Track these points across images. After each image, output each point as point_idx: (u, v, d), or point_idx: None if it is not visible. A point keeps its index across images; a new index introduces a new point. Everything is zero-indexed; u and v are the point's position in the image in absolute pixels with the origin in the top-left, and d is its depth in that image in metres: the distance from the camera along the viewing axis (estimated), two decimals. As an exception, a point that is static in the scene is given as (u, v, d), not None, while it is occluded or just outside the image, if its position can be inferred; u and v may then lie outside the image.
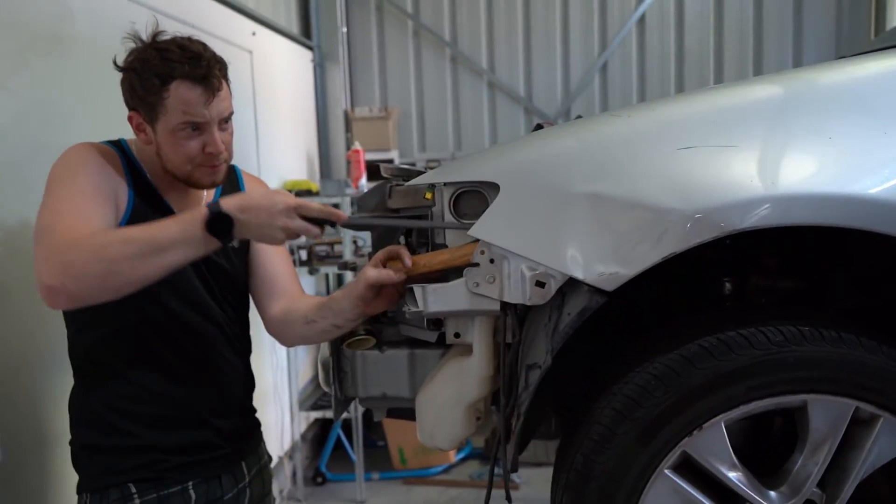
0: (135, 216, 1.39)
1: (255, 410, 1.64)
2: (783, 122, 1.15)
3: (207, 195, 1.53)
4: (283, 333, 1.57)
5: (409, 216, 1.39)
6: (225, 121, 1.43)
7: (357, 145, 4.23)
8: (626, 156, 1.16)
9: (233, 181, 1.58)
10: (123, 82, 1.41)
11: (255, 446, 1.63)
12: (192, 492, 1.46)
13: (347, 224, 1.34)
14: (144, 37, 1.40)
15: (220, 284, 1.51)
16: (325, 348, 1.50)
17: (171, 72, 1.35)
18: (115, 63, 1.42)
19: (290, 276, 1.60)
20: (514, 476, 3.94)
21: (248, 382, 1.62)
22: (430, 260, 1.28)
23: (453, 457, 4.28)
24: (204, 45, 1.41)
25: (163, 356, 1.45)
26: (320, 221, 1.30)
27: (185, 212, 1.30)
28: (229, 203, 1.26)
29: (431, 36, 4.86)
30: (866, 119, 1.13)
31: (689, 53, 4.67)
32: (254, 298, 1.61)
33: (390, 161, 4.53)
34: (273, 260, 1.59)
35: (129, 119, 1.43)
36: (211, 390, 1.50)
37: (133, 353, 1.44)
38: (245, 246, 1.57)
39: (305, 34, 4.59)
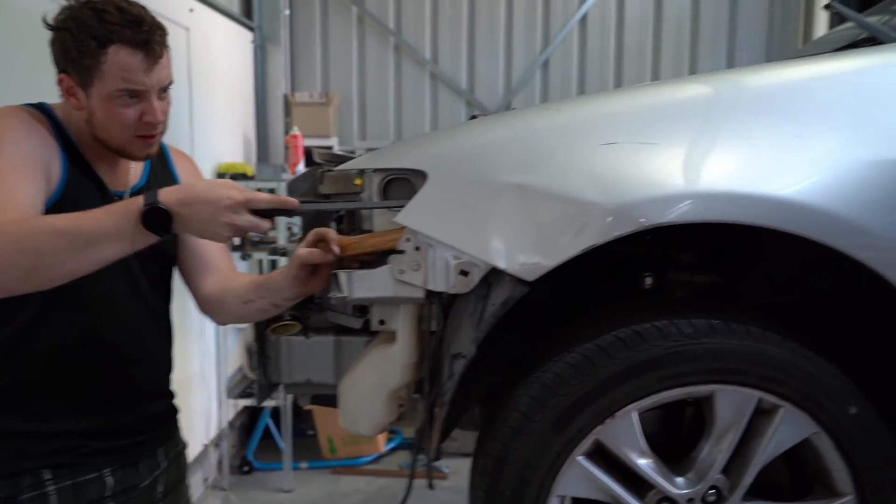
0: (69, 189, 1.32)
1: (174, 395, 1.60)
2: (703, 121, 1.19)
3: (136, 168, 1.48)
4: (218, 312, 1.53)
5: (346, 200, 1.38)
6: (164, 90, 1.36)
7: (296, 130, 4.18)
8: (552, 149, 1.18)
9: (161, 157, 1.54)
10: (54, 42, 1.32)
11: (173, 432, 1.59)
12: (108, 478, 1.42)
13: (300, 212, 1.29)
14: None
15: (146, 259, 1.44)
16: (249, 333, 1.48)
17: (109, 35, 1.26)
18: (44, 21, 1.33)
19: (222, 251, 1.56)
20: (442, 466, 3.97)
21: (170, 365, 1.58)
22: (361, 242, 1.28)
23: (383, 446, 4.29)
24: (144, 9, 1.33)
25: (87, 334, 1.39)
26: (270, 213, 1.23)
27: (119, 202, 1.22)
28: (168, 196, 1.16)
29: (375, 23, 4.82)
30: (781, 123, 1.17)
31: (628, 53, 4.77)
32: (184, 276, 1.57)
33: (329, 148, 4.49)
34: None
35: (59, 82, 1.33)
36: (137, 372, 1.46)
37: (53, 331, 1.38)
38: None
39: (247, 14, 4.49)
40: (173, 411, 1.59)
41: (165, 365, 1.56)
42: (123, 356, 1.43)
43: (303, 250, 1.28)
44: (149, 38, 1.29)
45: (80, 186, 1.34)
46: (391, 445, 4.35)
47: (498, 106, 4.78)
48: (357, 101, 4.88)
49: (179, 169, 1.56)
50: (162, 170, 1.53)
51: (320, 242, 1.28)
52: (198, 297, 1.55)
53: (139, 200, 1.17)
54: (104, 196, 1.39)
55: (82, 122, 1.35)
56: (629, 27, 4.74)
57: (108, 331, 1.41)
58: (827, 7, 1.37)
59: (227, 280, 1.51)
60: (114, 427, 1.43)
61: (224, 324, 1.59)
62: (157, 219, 1.16)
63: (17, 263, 1.13)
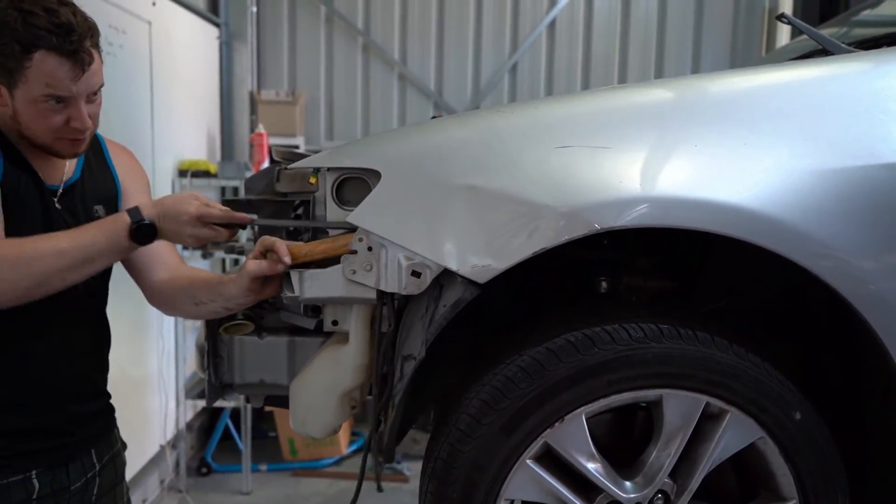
0: (7, 184, 1.30)
1: (109, 395, 1.57)
2: (657, 127, 1.20)
3: (70, 162, 1.44)
4: (168, 306, 1.52)
5: (302, 218, 1.37)
6: (94, 93, 1.34)
7: (261, 128, 4.14)
8: (506, 151, 1.18)
9: (96, 150, 1.51)
10: None
11: (108, 433, 1.55)
12: (35, 481, 1.37)
13: (255, 225, 1.35)
14: None
15: None
16: (201, 332, 1.46)
17: (34, 41, 1.22)
18: None
19: (169, 245, 1.54)
20: (403, 468, 3.96)
21: (105, 365, 1.55)
22: (312, 249, 1.27)
23: (345, 448, 4.26)
24: (74, 10, 1.29)
25: (18, 331, 1.36)
26: (227, 224, 1.31)
27: (105, 219, 1.33)
28: (150, 211, 1.28)
29: (344, 23, 4.79)
30: (733, 130, 1.18)
31: (595, 59, 4.80)
32: (131, 271, 1.54)
33: (296, 147, 4.45)
34: None
35: None
36: (65, 371, 1.42)
37: None
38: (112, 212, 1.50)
39: (213, 10, 4.44)
40: (108, 412, 1.56)
41: (99, 365, 1.52)
42: (50, 355, 1.40)
43: (252, 264, 1.27)
44: (78, 46, 1.26)
45: (17, 181, 1.32)
46: (353, 447, 4.32)
47: (466, 108, 4.78)
48: (325, 100, 4.85)
49: (117, 163, 1.54)
50: (97, 163, 1.51)
51: (269, 252, 1.27)
52: (147, 290, 1.54)
53: (125, 217, 1.27)
54: (40, 191, 1.36)
55: (7, 118, 1.32)
56: (597, 33, 4.78)
57: (35, 329, 1.38)
58: (779, 18, 1.39)
59: (176, 274, 1.50)
60: (40, 427, 1.39)
61: (173, 316, 1.59)
62: (145, 233, 1.28)
63: (21, 284, 1.22)
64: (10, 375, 1.36)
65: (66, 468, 1.43)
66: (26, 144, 1.36)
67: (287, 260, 1.23)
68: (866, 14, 2.10)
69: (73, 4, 1.30)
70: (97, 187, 1.47)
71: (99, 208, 1.46)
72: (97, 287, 1.49)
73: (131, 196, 1.53)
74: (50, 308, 1.37)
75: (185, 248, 3.51)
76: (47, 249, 1.24)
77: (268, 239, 1.27)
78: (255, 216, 1.35)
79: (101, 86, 1.35)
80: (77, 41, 1.25)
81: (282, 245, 1.24)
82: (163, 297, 1.51)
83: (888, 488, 1.28)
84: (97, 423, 1.51)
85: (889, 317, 1.13)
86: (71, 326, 1.43)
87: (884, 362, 1.15)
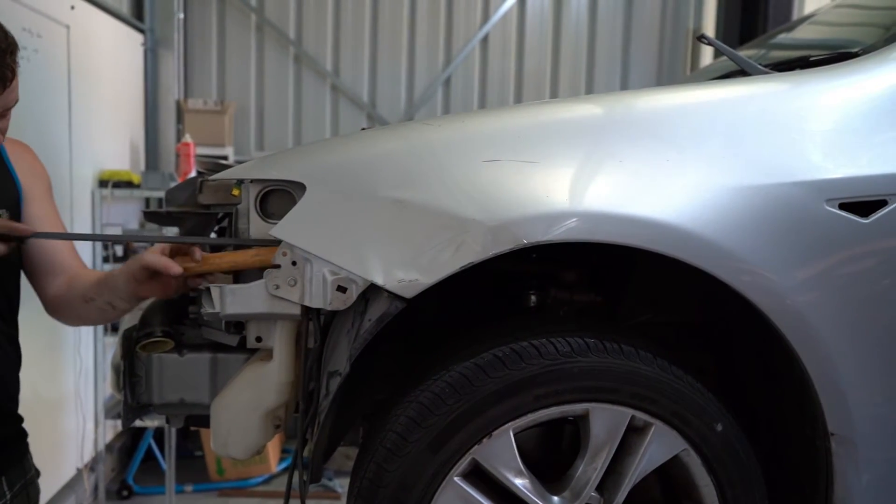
0: None
1: (21, 419, 1.48)
2: (583, 142, 1.21)
3: None
4: (64, 313, 1.47)
5: (225, 212, 1.32)
6: (7, 109, 1.30)
7: (188, 138, 4.01)
8: (433, 165, 1.17)
9: None
10: None
11: (19, 459, 1.46)
12: None
13: (32, 237, 1.30)
14: None
15: None
16: (117, 351, 1.40)
17: None
18: None
19: (70, 250, 1.49)
20: (335, 485, 3.89)
21: (15, 388, 1.46)
22: (219, 259, 1.23)
23: (275, 467, 4.15)
24: None
25: None
26: (3, 237, 1.24)
27: None
28: None
29: (275, 32, 4.72)
30: (655, 146, 1.21)
31: (527, 75, 4.87)
32: (30, 278, 1.48)
33: (224, 157, 4.34)
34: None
35: None
36: None
37: None
38: (16, 220, 1.43)
39: (137, 16, 4.30)
40: (20, 437, 1.47)
41: (8, 389, 1.44)
42: None
43: (151, 255, 1.24)
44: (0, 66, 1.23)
45: None
46: (283, 465, 4.21)
47: (399, 120, 4.77)
48: (255, 110, 4.76)
49: (18, 165, 1.47)
50: None
51: (178, 255, 1.23)
52: (45, 299, 1.48)
53: None
54: None
55: None
56: (529, 48, 4.86)
57: None
58: (700, 39, 1.43)
59: (73, 278, 1.45)
60: None
61: (71, 324, 1.54)
62: None
63: None
64: None
65: None
66: None
67: (198, 256, 1.21)
68: (782, 37, 2.20)
69: None
70: None
71: (3, 212, 1.39)
72: (10, 294, 1.42)
73: (34, 200, 1.47)
74: None
75: None
76: None
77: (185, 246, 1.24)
78: (33, 230, 1.30)
79: (16, 102, 1.31)
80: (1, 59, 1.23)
81: (197, 250, 1.20)
82: (59, 304, 1.46)
83: (802, 495, 1.32)
84: (8, 450, 1.42)
85: (803, 329, 1.16)
86: None
87: (798, 372, 1.18)
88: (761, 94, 1.26)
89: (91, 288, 1.38)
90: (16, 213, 1.42)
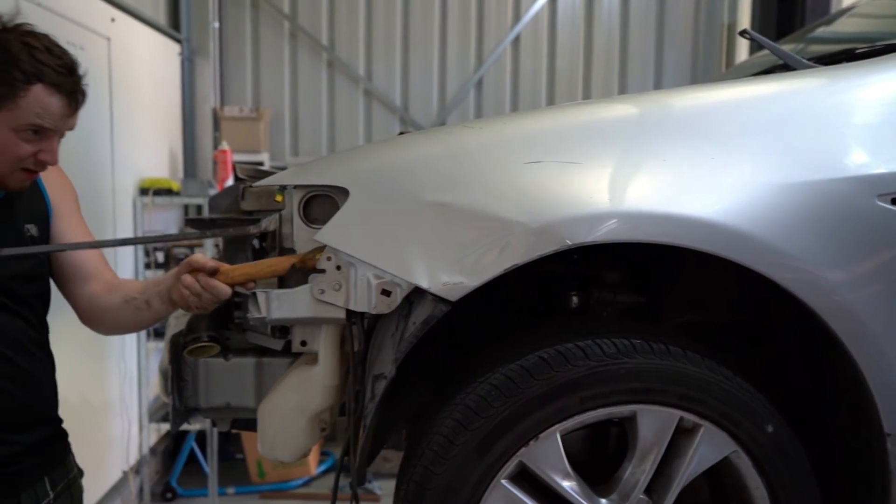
0: None
1: (61, 420, 1.52)
2: (626, 142, 1.20)
3: None
4: (99, 318, 1.50)
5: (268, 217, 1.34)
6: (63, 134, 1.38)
7: (225, 145, 4.08)
8: (475, 167, 1.17)
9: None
10: None
11: (62, 460, 1.50)
12: None
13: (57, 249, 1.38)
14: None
15: (17, 279, 1.40)
16: (165, 356, 1.42)
17: (40, 74, 1.29)
18: None
19: (97, 257, 1.53)
20: (374, 487, 3.90)
21: (54, 389, 1.50)
22: (233, 271, 1.27)
23: (314, 469, 4.19)
24: (64, 51, 1.35)
25: None
26: None
27: None
28: None
29: (308, 38, 4.77)
30: (699, 144, 1.19)
31: (560, 75, 4.85)
32: (61, 287, 1.52)
33: (260, 163, 4.40)
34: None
35: None
36: (9, 401, 1.38)
37: None
38: (45, 235, 1.47)
39: (174, 26, 4.38)
40: (60, 438, 1.51)
41: (45, 392, 1.48)
42: None
43: (200, 255, 1.31)
44: (76, 87, 1.34)
45: None
46: (322, 468, 4.25)
47: (432, 123, 4.78)
48: (289, 116, 4.81)
49: (45, 176, 1.48)
50: (31, 191, 1.47)
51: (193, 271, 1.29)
52: (78, 306, 1.52)
53: None
54: None
55: None
56: (561, 49, 4.83)
57: None
58: (742, 34, 1.41)
59: (113, 285, 1.49)
60: None
61: (105, 332, 1.57)
62: None
63: None
64: None
65: (18, 498, 1.38)
66: None
67: (214, 264, 1.27)
68: (822, 31, 2.15)
69: (63, 47, 1.36)
70: (26, 206, 1.45)
71: (31, 227, 1.44)
72: (35, 319, 1.46)
73: (62, 214, 1.51)
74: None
75: None
76: None
77: (195, 258, 1.30)
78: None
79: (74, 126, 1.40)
80: (77, 83, 1.34)
81: (210, 263, 1.28)
82: (95, 308, 1.49)
83: (856, 497, 1.29)
84: (48, 451, 1.46)
85: (856, 328, 1.14)
86: (21, 349, 1.40)
87: (851, 371, 1.16)
88: (807, 89, 1.24)
89: (136, 289, 1.44)
90: (44, 228, 1.47)
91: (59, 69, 1.31)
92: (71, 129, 1.38)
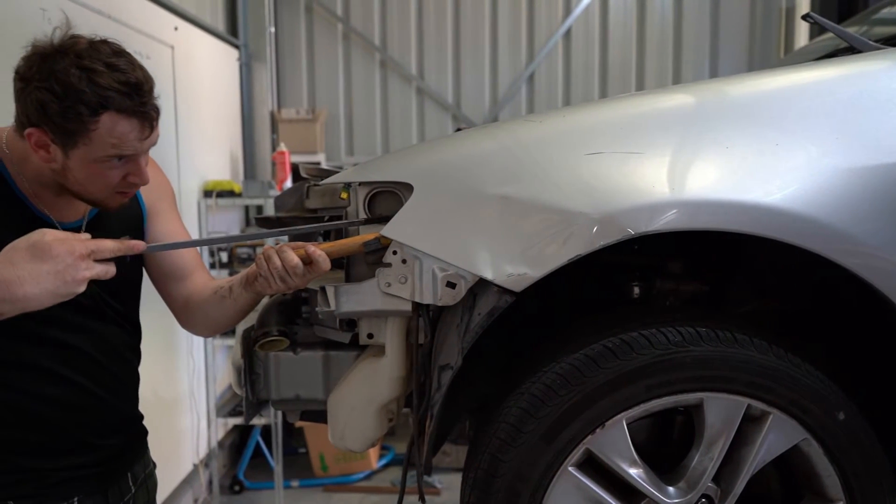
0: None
1: (142, 417, 1.58)
2: (686, 131, 1.20)
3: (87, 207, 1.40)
4: (194, 316, 1.50)
5: (331, 216, 1.38)
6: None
7: (283, 147, 4.18)
8: (537, 160, 1.18)
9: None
10: (28, 94, 1.19)
11: (142, 455, 1.56)
12: None
13: (147, 251, 1.29)
14: (53, 39, 1.20)
15: (115, 285, 1.34)
16: (237, 350, 1.47)
17: (104, 102, 1.18)
18: (17, 74, 1.21)
19: (192, 254, 1.54)
20: (435, 481, 3.95)
21: (136, 390, 1.54)
22: (318, 249, 1.26)
23: (375, 463, 4.26)
24: (132, 61, 1.23)
25: (40, 372, 1.32)
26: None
27: None
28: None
29: (361, 40, 4.84)
30: (762, 131, 1.18)
31: (612, 67, 4.80)
32: (158, 286, 1.54)
33: (317, 163, 4.48)
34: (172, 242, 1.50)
35: (28, 135, 1.21)
36: (102, 406, 1.42)
37: (12, 372, 1.30)
38: (140, 239, 1.45)
39: (232, 32, 4.50)
40: (142, 435, 1.57)
41: (130, 394, 1.52)
42: (86, 395, 1.39)
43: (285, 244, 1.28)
44: (146, 102, 1.22)
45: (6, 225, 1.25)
46: (383, 462, 4.32)
47: (484, 120, 4.80)
48: (344, 116, 4.89)
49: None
50: (130, 206, 1.45)
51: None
52: (174, 306, 1.53)
53: None
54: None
55: (45, 170, 1.26)
56: (613, 41, 4.79)
57: (71, 365, 1.36)
58: (805, 18, 1.39)
59: (205, 284, 1.50)
60: (75, 463, 1.39)
61: (203, 332, 1.57)
62: None
63: None
64: (42, 423, 1.35)
65: (105, 494, 1.44)
66: (52, 189, 1.30)
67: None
68: (886, 12, 2.09)
69: (128, 54, 1.25)
70: (121, 215, 1.42)
71: (125, 237, 1.44)
72: (130, 324, 1.49)
73: (158, 215, 1.50)
74: (92, 335, 1.37)
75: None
76: None
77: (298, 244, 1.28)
78: (145, 244, 1.27)
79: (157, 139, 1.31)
80: (147, 96, 1.23)
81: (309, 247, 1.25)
82: (191, 305, 1.49)
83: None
84: (132, 449, 1.52)
85: (929, 312, 1.11)
86: (104, 369, 1.42)
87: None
88: (875, 71, 1.22)
89: (227, 282, 1.43)
90: (138, 234, 1.46)
91: (122, 90, 1.19)
92: (153, 145, 1.30)
